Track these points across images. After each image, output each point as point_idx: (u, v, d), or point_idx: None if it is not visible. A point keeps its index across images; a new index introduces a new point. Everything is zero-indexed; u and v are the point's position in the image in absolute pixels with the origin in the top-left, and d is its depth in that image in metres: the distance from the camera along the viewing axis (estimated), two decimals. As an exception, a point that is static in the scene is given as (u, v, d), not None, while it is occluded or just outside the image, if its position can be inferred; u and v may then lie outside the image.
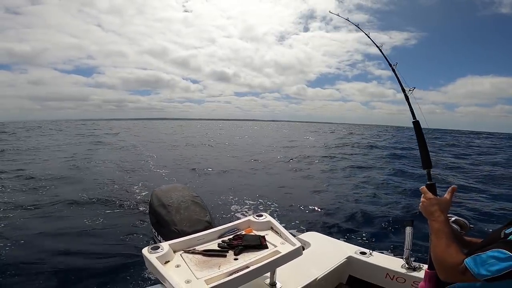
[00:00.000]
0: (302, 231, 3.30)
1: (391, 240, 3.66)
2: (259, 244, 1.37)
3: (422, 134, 1.29)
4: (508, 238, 0.95)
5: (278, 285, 1.49)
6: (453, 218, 1.24)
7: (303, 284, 1.55)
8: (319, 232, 2.22)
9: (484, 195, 6.72)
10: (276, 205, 5.55)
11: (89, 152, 13.95)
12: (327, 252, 1.89)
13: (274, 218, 1.61)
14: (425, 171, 1.22)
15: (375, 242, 3.34)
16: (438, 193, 1.14)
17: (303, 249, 1.49)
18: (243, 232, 1.50)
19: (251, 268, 1.20)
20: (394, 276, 1.65)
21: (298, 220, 4.70)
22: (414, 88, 1.39)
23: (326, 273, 1.68)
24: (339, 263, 1.76)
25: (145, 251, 1.27)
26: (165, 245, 1.31)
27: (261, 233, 1.49)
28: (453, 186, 1.12)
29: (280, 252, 1.33)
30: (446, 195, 1.11)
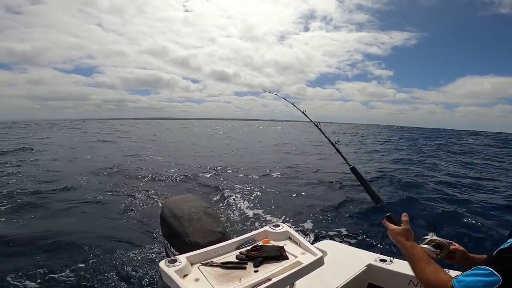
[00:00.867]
0: (317, 240, 3.23)
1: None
2: (279, 255, 1.33)
3: (362, 176, 1.42)
4: (493, 253, 0.93)
5: None
6: (428, 238, 1.29)
7: None
8: (334, 240, 2.18)
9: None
10: (288, 212, 5.47)
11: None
12: (345, 260, 1.84)
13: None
14: (379, 205, 1.36)
15: (395, 249, 3.23)
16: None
17: None
18: (261, 243, 1.46)
19: (274, 280, 1.16)
20: (418, 282, 1.60)
21: (311, 229, 4.63)
22: (338, 140, 1.65)
23: (345, 282, 1.63)
24: (359, 272, 1.72)
25: (162, 264, 1.23)
26: (182, 258, 1.27)
27: (279, 244, 1.45)
28: (403, 214, 1.20)
29: (302, 263, 1.28)
30: (403, 224, 1.19)
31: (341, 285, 1.60)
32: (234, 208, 5.89)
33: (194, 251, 1.36)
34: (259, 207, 5.89)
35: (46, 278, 3.25)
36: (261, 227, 1.61)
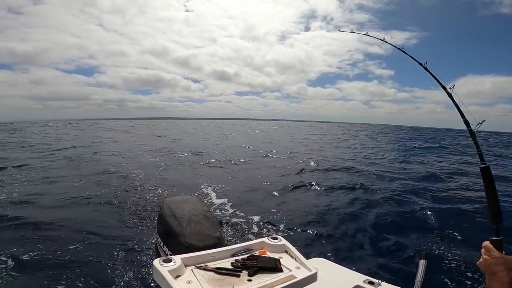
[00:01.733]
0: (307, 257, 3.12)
1: (400, 270, 3.45)
2: (274, 267, 1.32)
3: (493, 182, 1.01)
4: None
5: None
6: None
7: None
8: (325, 257, 2.15)
9: None
10: (285, 228, 5.36)
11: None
12: (334, 280, 1.81)
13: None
14: (493, 225, 1.00)
15: (383, 272, 3.16)
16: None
17: None
18: (257, 253, 1.45)
19: None
20: None
21: (302, 244, 4.53)
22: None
23: None
24: None
25: (156, 262, 1.22)
26: (177, 259, 1.26)
27: (276, 256, 1.43)
28: None
29: (296, 277, 1.27)
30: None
31: None
32: (234, 216, 5.82)
33: (190, 253, 1.35)
34: (261, 216, 5.78)
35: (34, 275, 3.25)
36: (260, 238, 1.60)
